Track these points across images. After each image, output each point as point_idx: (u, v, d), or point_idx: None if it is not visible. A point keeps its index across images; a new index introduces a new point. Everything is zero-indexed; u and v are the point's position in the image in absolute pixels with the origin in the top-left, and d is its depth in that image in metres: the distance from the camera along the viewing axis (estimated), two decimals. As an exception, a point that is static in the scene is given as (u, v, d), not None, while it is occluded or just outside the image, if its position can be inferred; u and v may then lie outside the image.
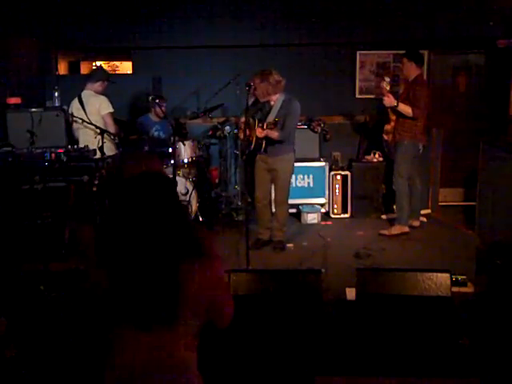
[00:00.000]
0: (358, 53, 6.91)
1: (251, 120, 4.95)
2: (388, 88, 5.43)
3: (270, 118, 4.92)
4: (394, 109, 5.47)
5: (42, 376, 2.93)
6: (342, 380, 2.43)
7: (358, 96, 6.98)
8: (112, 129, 5.15)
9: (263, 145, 4.92)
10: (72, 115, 5.11)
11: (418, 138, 5.52)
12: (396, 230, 5.61)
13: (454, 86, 7.08)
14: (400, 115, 5.47)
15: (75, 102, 5.22)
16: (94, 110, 5.13)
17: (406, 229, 5.62)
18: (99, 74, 5.40)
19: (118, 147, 5.17)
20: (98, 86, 5.26)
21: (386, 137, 5.76)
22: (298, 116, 5.04)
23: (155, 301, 1.74)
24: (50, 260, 4.27)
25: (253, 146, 4.95)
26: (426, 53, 6.91)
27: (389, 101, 5.42)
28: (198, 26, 6.67)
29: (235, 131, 6.33)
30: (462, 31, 6.57)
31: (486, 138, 5.50)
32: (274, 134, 4.85)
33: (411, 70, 5.56)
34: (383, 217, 6.26)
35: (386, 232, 5.63)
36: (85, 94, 5.23)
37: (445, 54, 7.01)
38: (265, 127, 4.81)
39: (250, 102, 4.99)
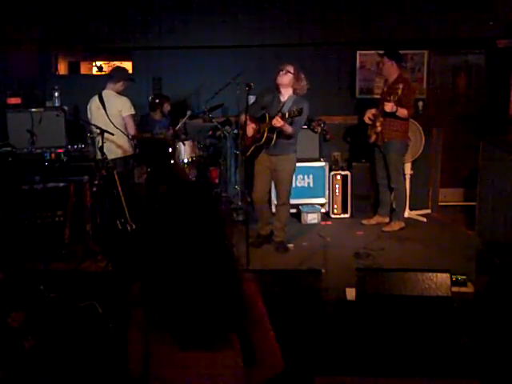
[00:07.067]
0: (357, 53, 6.90)
1: (257, 115, 4.93)
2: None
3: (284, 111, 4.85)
4: (394, 113, 5.45)
5: (61, 367, 2.93)
6: (342, 380, 2.43)
7: (358, 96, 6.98)
8: (132, 130, 5.17)
9: (274, 139, 4.85)
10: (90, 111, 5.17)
11: (406, 136, 5.70)
12: (396, 225, 5.81)
13: (454, 86, 7.07)
14: (388, 116, 5.49)
15: (95, 101, 5.18)
16: (116, 110, 5.10)
17: (403, 224, 5.86)
18: (120, 73, 5.35)
19: (135, 148, 5.26)
20: (119, 85, 5.23)
21: (373, 137, 5.74)
22: (306, 115, 4.98)
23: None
24: (50, 260, 4.27)
25: (263, 140, 4.87)
26: (426, 53, 6.93)
27: (390, 106, 5.40)
28: (198, 26, 6.67)
29: (235, 131, 6.32)
30: (462, 31, 6.56)
31: (486, 138, 5.50)
32: (288, 128, 4.80)
33: (392, 70, 5.57)
34: (364, 222, 6.05)
35: (388, 228, 5.79)
36: (106, 93, 5.18)
37: (445, 54, 7.00)
38: (287, 116, 4.69)
39: (250, 102, 4.96)
